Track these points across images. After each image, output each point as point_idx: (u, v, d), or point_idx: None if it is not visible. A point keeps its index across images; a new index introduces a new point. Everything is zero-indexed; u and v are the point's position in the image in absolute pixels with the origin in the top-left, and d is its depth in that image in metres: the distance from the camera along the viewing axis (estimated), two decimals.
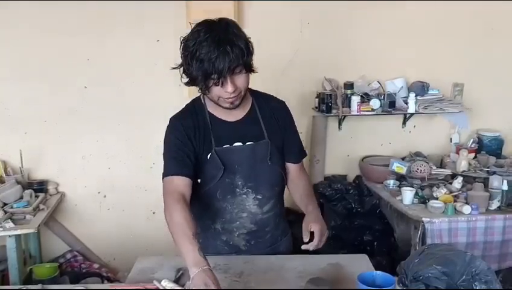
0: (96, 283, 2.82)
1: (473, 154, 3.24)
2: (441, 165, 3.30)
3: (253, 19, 3.16)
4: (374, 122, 3.42)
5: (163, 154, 1.68)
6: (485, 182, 2.91)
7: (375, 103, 3.19)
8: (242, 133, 1.69)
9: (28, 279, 2.78)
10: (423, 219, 2.68)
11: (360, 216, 3.07)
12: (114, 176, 3.30)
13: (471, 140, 3.41)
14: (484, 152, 3.31)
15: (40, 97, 3.15)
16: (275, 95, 1.85)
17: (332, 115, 3.22)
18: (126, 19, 3.12)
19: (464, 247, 2.67)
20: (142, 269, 1.65)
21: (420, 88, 3.27)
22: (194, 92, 2.96)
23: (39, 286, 1.66)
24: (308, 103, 3.33)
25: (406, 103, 3.24)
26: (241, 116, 1.71)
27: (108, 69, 3.17)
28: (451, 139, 3.49)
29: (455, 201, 2.80)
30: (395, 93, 3.24)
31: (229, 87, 1.52)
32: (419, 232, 2.68)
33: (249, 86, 1.64)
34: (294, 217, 2.26)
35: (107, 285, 2.33)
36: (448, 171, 3.12)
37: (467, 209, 2.71)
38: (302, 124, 3.22)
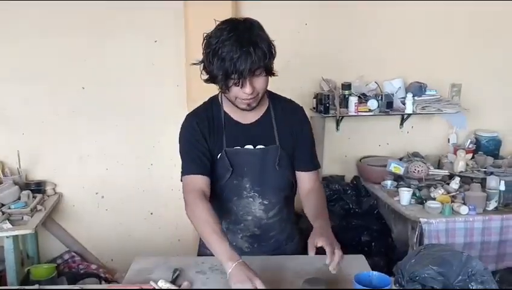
0: (94, 284, 2.82)
1: (470, 155, 3.25)
2: (439, 165, 3.31)
3: None
4: (372, 123, 3.43)
5: (180, 152, 1.69)
6: (483, 182, 2.92)
7: (372, 104, 3.19)
8: (254, 136, 1.68)
9: (25, 280, 2.77)
10: (420, 219, 2.69)
11: (357, 216, 3.08)
12: (112, 177, 3.30)
13: (469, 140, 3.42)
14: (482, 153, 3.32)
15: (37, 98, 3.15)
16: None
17: (330, 115, 3.23)
18: (124, 19, 3.11)
19: (461, 247, 2.67)
20: (138, 270, 1.65)
21: (418, 89, 3.28)
22: (193, 94, 3.01)
23: (36, 287, 1.65)
24: (305, 103, 3.32)
25: (404, 104, 3.25)
26: (255, 119, 1.69)
27: (106, 69, 3.17)
28: (448, 139, 3.49)
29: (452, 201, 2.81)
30: (392, 94, 3.24)
31: (248, 89, 1.50)
32: (417, 232, 2.69)
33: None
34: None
35: (104, 286, 2.33)
36: (445, 172, 3.12)
37: (464, 209, 2.72)
38: None
